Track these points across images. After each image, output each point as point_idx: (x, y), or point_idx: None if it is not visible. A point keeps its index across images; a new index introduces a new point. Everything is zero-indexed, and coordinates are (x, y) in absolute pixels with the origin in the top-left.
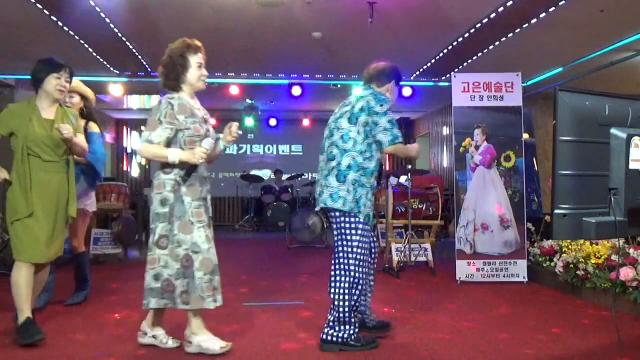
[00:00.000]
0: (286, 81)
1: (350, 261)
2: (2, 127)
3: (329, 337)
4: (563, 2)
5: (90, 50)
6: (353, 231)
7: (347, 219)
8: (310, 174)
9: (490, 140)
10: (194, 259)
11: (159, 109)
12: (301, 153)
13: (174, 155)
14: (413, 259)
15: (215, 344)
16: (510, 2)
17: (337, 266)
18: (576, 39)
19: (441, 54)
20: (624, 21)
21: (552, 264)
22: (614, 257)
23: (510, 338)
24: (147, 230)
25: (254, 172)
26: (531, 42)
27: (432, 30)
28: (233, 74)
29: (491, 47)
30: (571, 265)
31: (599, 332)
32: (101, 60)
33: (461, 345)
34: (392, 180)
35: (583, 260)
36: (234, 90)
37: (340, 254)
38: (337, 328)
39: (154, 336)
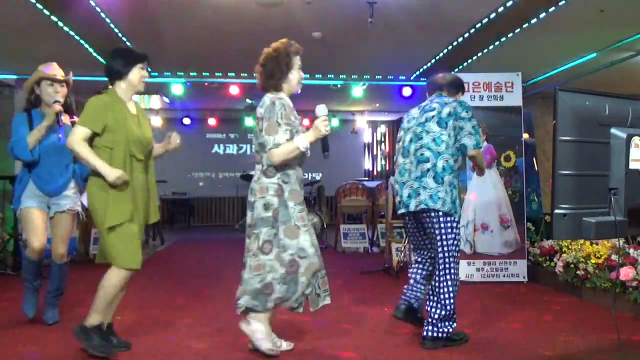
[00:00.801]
0: None
1: (451, 259)
2: (97, 122)
3: (433, 334)
4: (563, 2)
5: (91, 50)
6: (450, 230)
7: (446, 219)
8: (310, 173)
9: (490, 140)
10: (300, 263)
11: (273, 110)
12: None
13: (303, 141)
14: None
15: (267, 344)
16: (510, 2)
17: (440, 266)
18: (576, 39)
19: (441, 54)
20: (624, 21)
21: (552, 264)
22: (614, 257)
23: (510, 338)
24: (147, 230)
25: (253, 172)
26: (531, 42)
27: (432, 30)
28: (233, 74)
29: (491, 47)
30: (571, 265)
31: (599, 332)
32: (101, 60)
33: (461, 345)
34: (392, 180)
35: (583, 260)
36: (234, 90)
37: (441, 254)
38: (440, 325)
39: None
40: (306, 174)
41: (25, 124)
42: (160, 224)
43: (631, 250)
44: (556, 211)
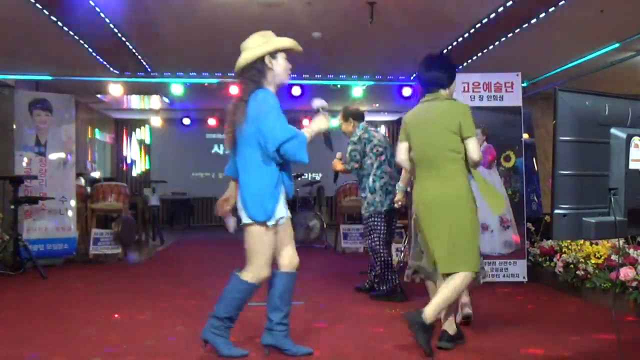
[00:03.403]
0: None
1: None
2: None
3: None
4: (563, 2)
5: (90, 50)
6: None
7: None
8: (310, 174)
9: (490, 140)
10: None
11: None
12: None
13: None
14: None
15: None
16: (510, 2)
17: None
18: (576, 39)
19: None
20: (624, 21)
21: (552, 264)
22: (614, 257)
23: (510, 338)
24: (147, 230)
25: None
26: (531, 42)
27: (432, 30)
28: (233, 74)
29: (491, 47)
30: (571, 266)
31: (598, 332)
32: (101, 60)
33: (460, 345)
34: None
35: (583, 261)
36: (234, 91)
37: None
38: None
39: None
40: (306, 174)
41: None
42: (160, 224)
43: (631, 251)
44: (556, 211)
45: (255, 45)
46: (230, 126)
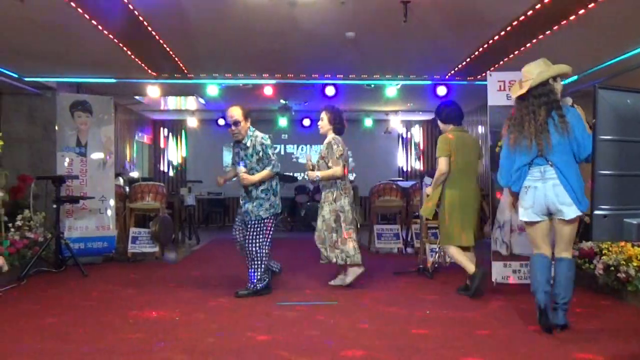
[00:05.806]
0: (320, 81)
1: None
2: None
3: None
4: None
5: (129, 53)
6: None
7: None
8: None
9: None
10: None
11: None
12: None
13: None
14: (447, 260)
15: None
16: None
17: None
18: (616, 36)
19: (476, 53)
20: None
21: (592, 266)
22: None
23: (546, 340)
24: (184, 230)
25: (287, 172)
26: (569, 39)
27: (467, 28)
28: (267, 75)
29: (528, 45)
30: (612, 268)
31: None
32: (139, 62)
33: (495, 346)
34: (427, 180)
35: (624, 263)
36: (268, 91)
37: None
38: None
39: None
40: None
41: None
42: (195, 224)
43: None
44: (596, 212)
45: (542, 69)
46: (545, 134)
